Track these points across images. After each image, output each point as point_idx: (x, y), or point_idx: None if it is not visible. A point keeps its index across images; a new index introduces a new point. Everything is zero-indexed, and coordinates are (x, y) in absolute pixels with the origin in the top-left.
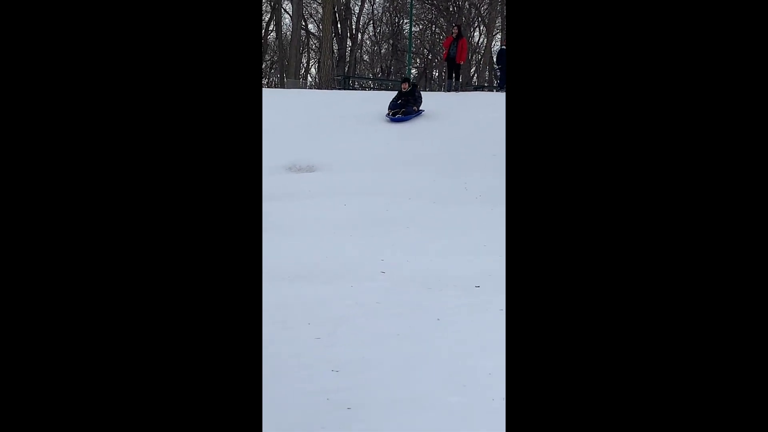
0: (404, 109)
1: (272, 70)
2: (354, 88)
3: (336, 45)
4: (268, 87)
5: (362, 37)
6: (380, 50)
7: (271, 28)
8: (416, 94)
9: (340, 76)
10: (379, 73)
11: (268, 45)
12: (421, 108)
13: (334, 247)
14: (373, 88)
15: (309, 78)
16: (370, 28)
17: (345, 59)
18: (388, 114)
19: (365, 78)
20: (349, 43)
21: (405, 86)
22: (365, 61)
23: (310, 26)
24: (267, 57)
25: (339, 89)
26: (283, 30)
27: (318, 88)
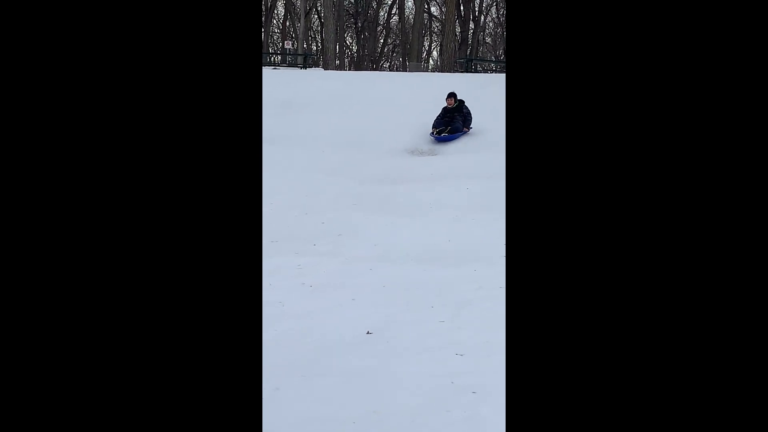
0: (450, 127)
1: (394, 54)
2: (476, 71)
3: (458, 28)
4: (390, 70)
5: (485, 20)
6: (503, 32)
7: (393, 12)
8: (464, 110)
9: (462, 59)
10: (501, 56)
11: (391, 28)
12: (470, 127)
13: (456, 230)
14: (496, 71)
15: (431, 61)
16: (493, 10)
17: (467, 42)
18: (432, 132)
19: (487, 61)
20: (471, 25)
21: (450, 102)
22: (487, 43)
23: (433, 9)
24: (389, 40)
25: (461, 72)
26: (406, 13)
27: (440, 71)
